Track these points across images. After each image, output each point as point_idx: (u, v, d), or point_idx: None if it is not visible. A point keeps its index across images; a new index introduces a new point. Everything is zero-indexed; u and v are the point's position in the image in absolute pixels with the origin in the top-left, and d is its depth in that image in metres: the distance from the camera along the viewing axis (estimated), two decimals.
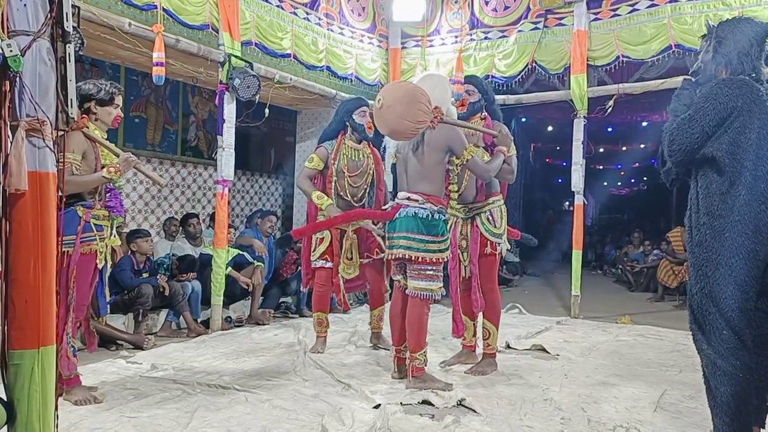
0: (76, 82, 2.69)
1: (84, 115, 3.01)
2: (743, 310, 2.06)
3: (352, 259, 4.14)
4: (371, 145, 4.32)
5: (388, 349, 4.15)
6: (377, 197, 4.32)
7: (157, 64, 4.36)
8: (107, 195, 3.09)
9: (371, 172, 4.27)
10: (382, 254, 4.13)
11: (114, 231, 3.14)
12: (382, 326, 4.34)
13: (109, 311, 3.44)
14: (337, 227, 4.06)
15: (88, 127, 3.01)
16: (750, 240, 2.06)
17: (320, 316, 4.24)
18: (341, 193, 4.17)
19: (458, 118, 3.55)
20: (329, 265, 4.14)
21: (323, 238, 4.13)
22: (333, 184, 4.15)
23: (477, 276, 3.61)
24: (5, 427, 1.77)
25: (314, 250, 4.17)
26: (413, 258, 3.27)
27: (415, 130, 3.16)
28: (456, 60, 6.56)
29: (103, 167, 2.98)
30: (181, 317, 4.88)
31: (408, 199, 3.34)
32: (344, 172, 4.16)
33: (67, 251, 2.88)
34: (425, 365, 3.35)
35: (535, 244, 4.44)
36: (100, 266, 3.04)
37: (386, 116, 3.15)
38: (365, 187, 4.25)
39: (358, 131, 4.18)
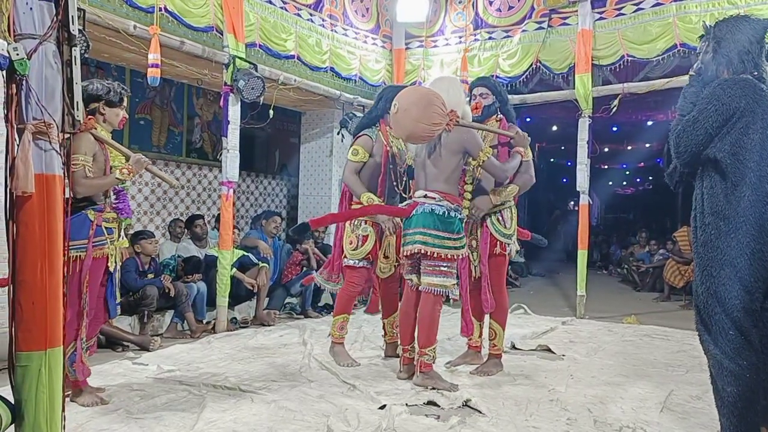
0: (82, 83, 2.70)
1: (91, 116, 2.98)
2: (749, 311, 2.05)
3: (389, 257, 3.88)
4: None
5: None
6: (410, 194, 4.01)
7: (152, 66, 4.37)
8: (115, 197, 3.08)
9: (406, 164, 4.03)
10: None
11: (122, 233, 3.14)
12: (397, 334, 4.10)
13: (119, 313, 3.42)
14: (377, 224, 3.82)
15: (96, 128, 2.99)
16: (755, 240, 2.05)
17: (346, 318, 3.93)
18: (395, 182, 3.85)
19: (474, 122, 3.55)
20: (369, 265, 3.89)
21: (367, 236, 3.83)
22: (389, 173, 3.82)
23: (487, 276, 3.61)
24: (12, 428, 1.78)
25: (355, 249, 3.85)
26: (428, 253, 3.28)
27: (431, 133, 3.18)
28: (461, 60, 6.56)
29: (112, 168, 2.97)
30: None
31: (425, 196, 3.37)
32: (396, 159, 3.88)
33: (79, 256, 2.85)
34: (433, 362, 3.36)
35: (545, 244, 4.38)
36: (111, 268, 3.03)
37: (402, 120, 3.18)
38: (406, 179, 3.97)
39: None
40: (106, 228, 2.98)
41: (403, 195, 3.89)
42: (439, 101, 3.16)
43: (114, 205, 3.06)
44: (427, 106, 3.12)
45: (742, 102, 2.09)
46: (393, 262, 3.91)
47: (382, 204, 3.87)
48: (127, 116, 3.23)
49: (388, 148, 3.83)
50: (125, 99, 3.13)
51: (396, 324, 4.03)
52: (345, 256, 3.91)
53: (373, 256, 3.87)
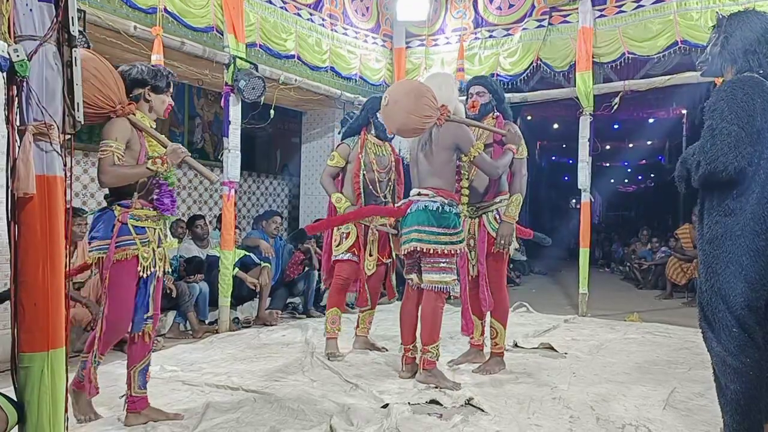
0: (124, 67, 2.62)
1: (132, 102, 2.66)
2: (753, 308, 2.04)
3: (372, 255, 4.09)
4: (392, 146, 4.31)
5: (380, 350, 4.20)
6: (398, 195, 4.29)
7: None
8: (156, 191, 2.72)
9: (394, 169, 4.25)
10: (390, 259, 4.24)
11: (168, 232, 2.80)
12: (369, 330, 4.36)
13: (147, 326, 2.75)
14: (360, 223, 4.03)
15: (134, 114, 2.66)
16: (761, 238, 2.03)
17: (337, 312, 4.08)
18: (371, 188, 4.07)
19: (468, 119, 3.56)
20: (355, 258, 4.08)
21: (349, 232, 4.06)
22: (361, 177, 4.05)
23: (485, 275, 3.60)
24: (16, 428, 1.79)
25: (339, 245, 4.09)
26: (425, 250, 3.28)
27: (422, 125, 3.18)
28: (458, 51, 6.58)
29: (148, 159, 2.65)
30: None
31: (418, 194, 3.37)
32: (372, 165, 4.08)
33: (101, 257, 2.58)
34: (437, 359, 3.36)
35: (549, 243, 4.37)
36: (143, 274, 2.65)
37: (393, 113, 3.19)
38: (391, 184, 4.21)
39: (379, 130, 4.13)
40: (134, 227, 2.62)
41: (383, 201, 4.13)
42: (430, 93, 3.18)
43: (155, 201, 2.71)
44: (418, 97, 3.13)
45: (758, 100, 2.06)
46: (375, 260, 4.11)
47: (375, 205, 4.06)
48: (173, 104, 2.87)
49: (361, 156, 4.08)
50: (172, 84, 2.81)
51: (370, 319, 4.31)
52: (333, 255, 4.16)
53: (358, 250, 4.08)
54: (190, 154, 2.76)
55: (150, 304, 2.72)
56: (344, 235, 4.08)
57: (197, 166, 2.85)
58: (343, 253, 4.08)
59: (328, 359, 3.91)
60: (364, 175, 4.06)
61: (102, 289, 2.61)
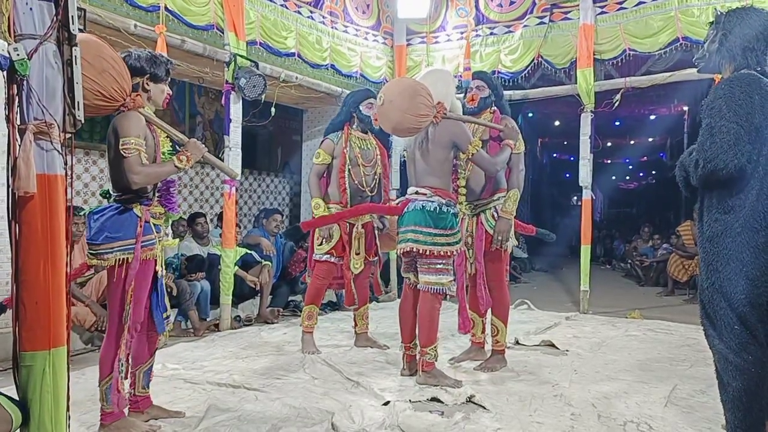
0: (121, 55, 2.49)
1: (139, 93, 2.53)
2: (755, 305, 2.03)
3: (359, 254, 4.12)
4: (377, 138, 4.32)
5: (381, 348, 4.23)
6: (384, 189, 4.33)
7: None
8: (165, 188, 2.66)
9: (379, 162, 4.26)
10: (376, 258, 4.29)
11: (170, 231, 2.77)
12: (368, 326, 4.40)
13: (168, 328, 2.76)
14: (346, 221, 4.06)
15: (144, 107, 2.51)
16: (761, 234, 2.03)
17: (313, 309, 4.17)
18: (357, 182, 4.11)
19: (469, 114, 3.55)
20: (334, 260, 4.12)
21: (332, 233, 4.09)
22: (347, 172, 4.07)
23: (482, 273, 3.59)
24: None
25: (320, 245, 4.12)
26: (422, 251, 3.26)
27: (418, 124, 3.16)
28: (465, 48, 6.57)
29: (162, 155, 2.57)
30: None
31: (416, 193, 3.35)
32: (358, 160, 4.12)
33: (127, 258, 2.46)
34: (436, 360, 3.35)
35: (553, 239, 4.36)
36: (159, 273, 2.63)
37: (388, 112, 3.17)
38: (377, 178, 4.23)
39: (364, 122, 4.14)
40: (153, 225, 2.56)
41: (369, 195, 4.17)
42: (425, 92, 3.15)
43: (165, 199, 2.66)
44: (413, 96, 3.11)
45: (756, 98, 2.05)
46: (362, 258, 4.15)
47: (372, 203, 4.09)
48: (171, 93, 2.74)
49: (346, 151, 4.09)
50: (170, 72, 2.66)
51: (366, 315, 4.36)
52: (314, 254, 4.20)
53: (338, 251, 4.11)
54: (206, 148, 2.67)
55: (166, 303, 2.70)
56: (326, 236, 4.09)
57: (217, 162, 2.80)
58: (322, 254, 4.11)
59: (308, 353, 4.00)
60: (349, 170, 4.08)
61: (128, 294, 2.48)
